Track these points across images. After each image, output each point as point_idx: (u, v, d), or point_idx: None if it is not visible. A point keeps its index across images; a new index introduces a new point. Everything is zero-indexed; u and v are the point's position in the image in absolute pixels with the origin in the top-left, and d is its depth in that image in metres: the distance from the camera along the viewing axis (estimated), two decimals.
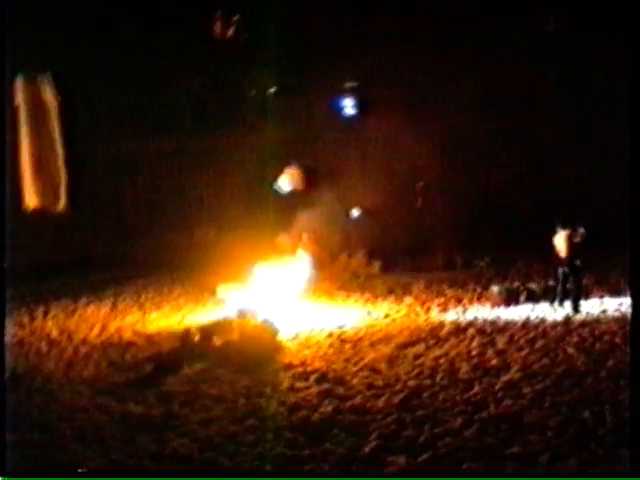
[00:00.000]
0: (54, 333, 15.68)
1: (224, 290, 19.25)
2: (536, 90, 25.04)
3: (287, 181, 22.73)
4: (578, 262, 14.98)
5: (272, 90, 27.05)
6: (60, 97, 24.47)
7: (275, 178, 24.32)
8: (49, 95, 24.85)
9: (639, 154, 8.50)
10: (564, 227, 15.04)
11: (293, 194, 22.07)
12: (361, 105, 26.84)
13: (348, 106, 26.82)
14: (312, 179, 21.34)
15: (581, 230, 14.84)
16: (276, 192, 23.41)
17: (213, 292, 19.69)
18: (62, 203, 24.64)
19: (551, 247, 15.36)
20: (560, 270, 15.10)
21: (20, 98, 24.12)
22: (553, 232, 15.19)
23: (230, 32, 20.70)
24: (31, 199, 24.76)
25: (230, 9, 20.60)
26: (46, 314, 18.25)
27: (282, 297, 17.02)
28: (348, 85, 23.98)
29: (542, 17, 22.06)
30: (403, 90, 26.93)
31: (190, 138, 28.53)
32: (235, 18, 20.48)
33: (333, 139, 27.04)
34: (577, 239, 14.86)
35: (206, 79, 28.78)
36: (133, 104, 29.61)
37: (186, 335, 13.59)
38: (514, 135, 25.48)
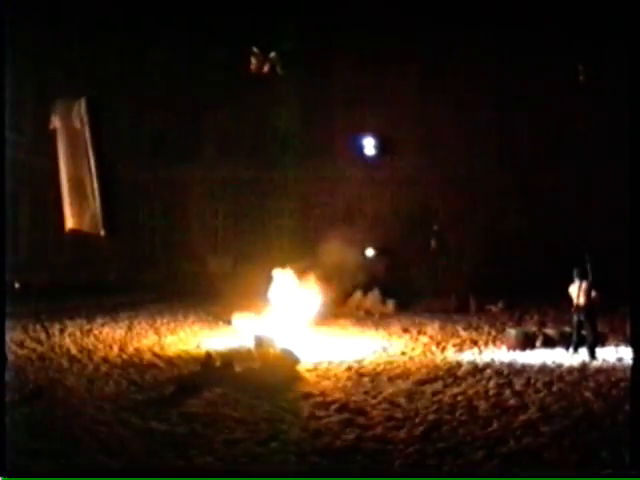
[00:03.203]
0: (73, 350, 15.89)
1: (240, 318, 19.49)
2: (557, 140, 25.36)
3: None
4: (594, 310, 15.15)
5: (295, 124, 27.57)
6: (91, 123, 24.85)
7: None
8: (82, 121, 25.28)
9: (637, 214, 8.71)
10: (581, 278, 15.20)
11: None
12: (382, 145, 27.25)
13: (369, 146, 27.22)
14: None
15: (594, 294, 15.02)
16: None
17: (228, 320, 19.95)
18: (100, 227, 24.84)
19: (565, 294, 15.55)
20: (575, 318, 15.25)
21: (56, 122, 24.58)
22: (571, 280, 15.37)
23: (266, 68, 21.14)
24: (69, 221, 24.98)
25: (266, 46, 21.09)
26: (62, 332, 18.49)
27: (297, 327, 17.20)
28: None
29: (573, 69, 22.41)
30: (423, 132, 27.35)
31: (210, 169, 28.91)
32: (271, 55, 20.95)
33: (352, 177, 27.39)
34: (594, 295, 15.05)
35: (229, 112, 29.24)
36: (157, 133, 30.11)
37: (207, 360, 13.75)
38: (531, 182, 25.77)
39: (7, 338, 17.02)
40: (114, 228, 24.22)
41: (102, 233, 22.91)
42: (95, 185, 23.79)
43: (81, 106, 24.97)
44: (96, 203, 23.08)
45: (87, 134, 25.15)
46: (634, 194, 8.85)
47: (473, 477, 7.84)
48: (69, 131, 25.00)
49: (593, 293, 15.03)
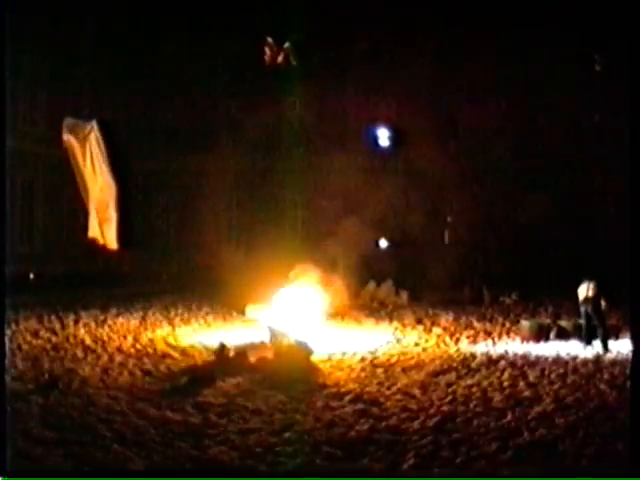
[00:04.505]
0: (88, 340, 15.98)
1: (253, 310, 19.53)
2: (574, 131, 25.22)
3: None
4: (603, 304, 15.07)
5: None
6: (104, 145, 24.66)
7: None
8: (94, 144, 25.09)
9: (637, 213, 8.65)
10: (590, 281, 15.17)
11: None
12: (395, 137, 27.15)
13: (382, 137, 27.11)
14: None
15: (603, 304, 14.98)
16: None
17: (241, 311, 20.00)
18: (114, 240, 24.62)
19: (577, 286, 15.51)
20: (583, 309, 15.20)
21: (68, 143, 24.48)
22: (579, 283, 15.33)
23: (280, 59, 21.14)
24: (90, 230, 24.86)
25: (280, 37, 21.10)
26: (77, 322, 18.60)
27: (311, 319, 17.21)
28: None
29: (590, 59, 22.23)
30: (438, 123, 27.21)
31: (224, 160, 28.89)
32: (286, 45, 20.93)
33: (366, 168, 27.31)
34: (603, 306, 15.02)
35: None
36: (170, 124, 30.09)
37: (221, 350, 13.78)
38: (546, 174, 25.64)
39: (22, 327, 17.24)
40: (129, 241, 24.07)
41: (115, 247, 22.82)
42: (111, 204, 23.72)
43: (93, 129, 24.86)
44: (112, 217, 23.00)
45: (100, 156, 25.01)
46: (634, 195, 8.78)
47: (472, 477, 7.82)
48: (82, 154, 24.88)
49: (603, 303, 14.97)
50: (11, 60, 9.56)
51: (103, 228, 23.08)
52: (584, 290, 15.16)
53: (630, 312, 9.01)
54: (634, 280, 8.49)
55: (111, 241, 25.42)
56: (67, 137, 24.84)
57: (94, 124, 25.05)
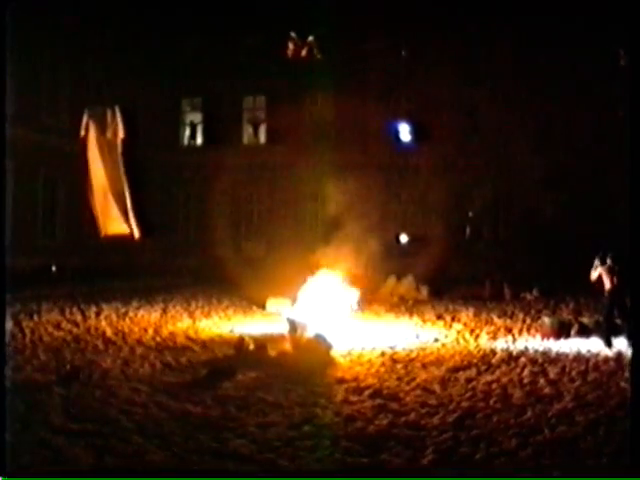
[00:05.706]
0: (109, 332, 16.11)
1: (273, 303, 19.60)
2: (598, 127, 25.05)
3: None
4: (627, 298, 14.89)
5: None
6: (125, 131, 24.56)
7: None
8: (115, 131, 25.03)
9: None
10: (603, 262, 15.03)
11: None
12: (417, 132, 27.09)
13: (404, 132, 27.07)
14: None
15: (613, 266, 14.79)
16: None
17: (261, 305, 20.08)
18: (133, 230, 24.70)
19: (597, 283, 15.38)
20: (606, 301, 15.06)
21: (87, 132, 24.41)
22: (594, 268, 15.19)
23: (304, 52, 21.16)
24: (104, 226, 24.89)
25: (303, 31, 21.11)
26: (98, 314, 18.78)
27: (332, 313, 17.23)
28: None
29: (613, 52, 22.06)
30: (459, 118, 27.13)
31: (246, 154, 28.93)
32: (310, 39, 20.95)
33: (387, 163, 27.25)
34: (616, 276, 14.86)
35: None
36: (192, 118, 30.16)
37: (240, 343, 13.84)
38: (569, 169, 25.48)
39: (44, 319, 17.37)
40: (148, 228, 24.21)
41: (137, 236, 22.90)
42: (127, 193, 23.76)
43: (115, 115, 24.87)
44: (127, 210, 23.10)
45: (119, 143, 25.05)
46: (634, 195, 8.70)
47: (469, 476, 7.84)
48: (100, 141, 24.85)
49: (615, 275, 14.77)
50: (32, 54, 9.63)
51: (120, 220, 23.06)
52: (599, 276, 14.96)
53: (631, 312, 8.91)
54: (634, 280, 8.44)
55: (131, 231, 25.47)
56: (86, 126, 24.81)
57: (116, 110, 25.07)
